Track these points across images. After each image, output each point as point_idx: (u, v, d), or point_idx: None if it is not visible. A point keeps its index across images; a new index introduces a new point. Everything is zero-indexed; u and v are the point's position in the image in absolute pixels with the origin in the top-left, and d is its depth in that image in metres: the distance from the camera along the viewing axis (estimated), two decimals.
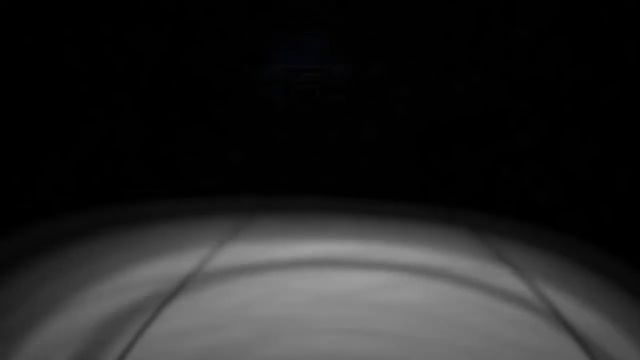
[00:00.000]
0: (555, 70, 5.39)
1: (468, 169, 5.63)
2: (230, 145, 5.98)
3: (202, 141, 5.92)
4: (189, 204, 4.87)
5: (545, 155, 5.30)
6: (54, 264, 3.01)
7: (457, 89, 5.87)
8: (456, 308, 2.46)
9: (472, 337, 2.18)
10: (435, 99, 5.95)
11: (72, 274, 2.84)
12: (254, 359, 1.96)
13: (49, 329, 2.20)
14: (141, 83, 5.85)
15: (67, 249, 3.30)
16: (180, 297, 2.53)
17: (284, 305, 2.42)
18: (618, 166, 4.85)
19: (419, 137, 5.93)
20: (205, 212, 4.49)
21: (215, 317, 2.28)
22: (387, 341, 2.12)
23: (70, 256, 3.17)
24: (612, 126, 5.00)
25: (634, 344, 2.20)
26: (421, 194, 5.47)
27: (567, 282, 2.89)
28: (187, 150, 5.88)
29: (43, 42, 5.51)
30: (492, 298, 2.60)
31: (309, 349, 2.04)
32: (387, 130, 6.01)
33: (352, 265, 3.06)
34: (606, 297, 2.70)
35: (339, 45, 6.18)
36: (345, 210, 4.60)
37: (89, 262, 3.06)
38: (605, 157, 4.94)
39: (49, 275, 2.83)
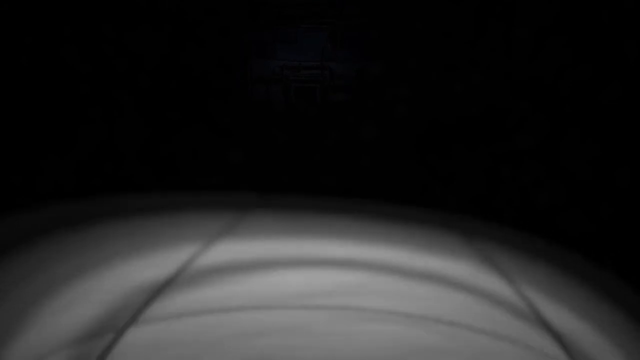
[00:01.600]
0: (555, 70, 5.38)
1: (468, 169, 5.63)
2: (230, 145, 5.98)
3: (202, 141, 5.92)
4: (181, 199, 4.87)
5: (546, 155, 5.29)
6: (37, 258, 2.99)
7: (457, 89, 5.87)
8: (440, 311, 2.46)
9: (457, 341, 2.18)
10: (435, 99, 5.95)
11: (52, 269, 2.81)
12: None
13: (32, 328, 2.18)
14: (141, 83, 5.85)
15: (50, 243, 3.28)
16: (160, 300, 2.50)
17: (276, 316, 2.38)
18: (618, 166, 4.85)
19: (419, 137, 5.92)
20: (197, 208, 4.48)
21: (195, 328, 2.23)
22: (375, 345, 2.12)
23: (51, 250, 3.15)
24: (612, 126, 4.99)
25: (619, 351, 2.20)
26: (421, 194, 5.47)
27: (554, 288, 2.89)
28: (187, 150, 5.88)
29: (43, 42, 5.51)
30: (478, 303, 2.60)
31: None
32: (387, 130, 6.00)
33: (349, 267, 3.05)
34: (595, 306, 2.70)
35: (341, 43, 6.08)
36: (338, 210, 4.60)
37: (71, 256, 3.04)
38: (606, 157, 4.93)
39: (33, 268, 2.81)
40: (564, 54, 5.32)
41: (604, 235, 3.92)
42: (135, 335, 2.09)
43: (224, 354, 1.96)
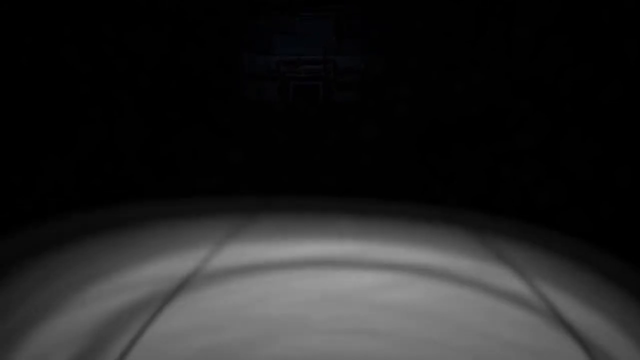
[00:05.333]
0: (555, 70, 5.38)
1: (468, 168, 5.63)
2: (230, 145, 5.98)
3: (202, 141, 5.92)
4: (188, 203, 4.88)
5: (546, 154, 5.29)
6: (53, 264, 3.01)
7: (458, 88, 5.86)
8: (455, 308, 2.46)
9: (471, 337, 2.18)
10: (435, 98, 5.94)
11: (71, 274, 2.84)
12: (252, 358, 1.96)
13: (48, 329, 2.20)
14: (141, 83, 5.85)
15: (66, 249, 3.30)
16: (180, 297, 2.53)
17: (283, 306, 2.41)
18: (619, 165, 4.85)
19: (419, 136, 5.92)
20: (205, 211, 4.49)
21: (214, 318, 2.28)
22: (386, 341, 2.12)
23: (70, 256, 3.17)
24: (612, 125, 4.99)
25: (633, 343, 2.20)
26: (421, 193, 5.47)
27: (566, 281, 2.89)
28: (187, 150, 5.88)
29: (43, 42, 5.51)
30: (491, 298, 2.60)
31: (307, 349, 2.04)
32: (388, 129, 6.00)
33: (350, 265, 3.05)
34: (605, 297, 2.70)
35: (348, 33, 5.59)
36: (345, 210, 4.60)
37: (88, 262, 3.06)
38: (606, 156, 4.93)
39: (48, 275, 2.84)
40: (564, 53, 5.31)
41: (603, 235, 3.91)
42: (149, 337, 2.11)
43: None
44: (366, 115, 6.05)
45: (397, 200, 5.09)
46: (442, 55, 5.96)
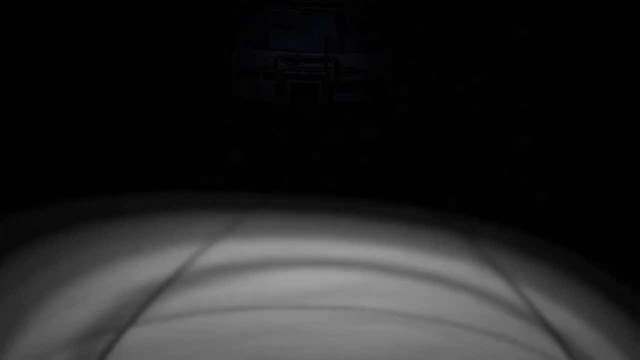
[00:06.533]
0: (555, 70, 5.39)
1: (468, 169, 5.63)
2: (230, 145, 5.98)
3: (202, 141, 5.92)
4: (183, 199, 4.87)
5: (545, 155, 5.30)
6: (37, 258, 3.00)
7: (457, 89, 5.87)
8: (441, 311, 2.46)
9: (456, 340, 2.18)
10: (435, 98, 5.95)
11: (53, 269, 2.82)
12: None
13: (33, 327, 2.19)
14: (141, 83, 5.85)
15: (55, 240, 3.29)
16: (156, 305, 2.50)
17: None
18: (618, 166, 4.85)
19: (419, 137, 5.92)
20: (199, 208, 4.48)
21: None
22: (377, 345, 2.12)
23: (54, 248, 3.16)
24: (612, 126, 4.99)
25: (617, 350, 2.21)
26: (421, 194, 5.47)
27: (555, 288, 2.89)
28: (187, 150, 5.88)
29: (43, 42, 5.51)
30: (478, 302, 2.60)
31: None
32: (387, 130, 6.00)
33: (339, 266, 3.05)
34: (592, 304, 2.71)
35: (351, 29, 5.17)
36: (338, 211, 4.59)
37: (75, 254, 3.05)
38: (605, 157, 4.93)
39: (35, 265, 2.82)
40: (564, 54, 5.32)
41: (603, 235, 3.92)
42: (135, 335, 2.10)
43: (223, 353, 1.97)
44: (366, 116, 6.05)
45: (396, 201, 5.09)
46: (442, 55, 5.96)
